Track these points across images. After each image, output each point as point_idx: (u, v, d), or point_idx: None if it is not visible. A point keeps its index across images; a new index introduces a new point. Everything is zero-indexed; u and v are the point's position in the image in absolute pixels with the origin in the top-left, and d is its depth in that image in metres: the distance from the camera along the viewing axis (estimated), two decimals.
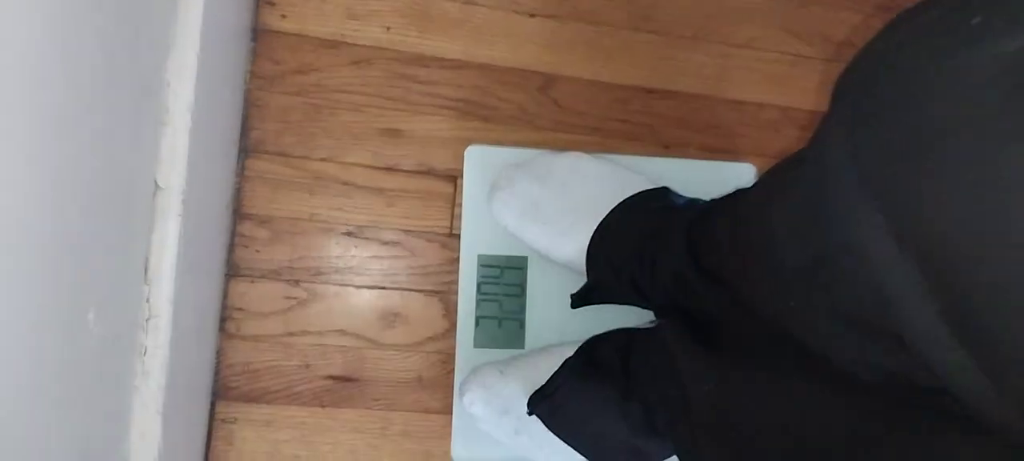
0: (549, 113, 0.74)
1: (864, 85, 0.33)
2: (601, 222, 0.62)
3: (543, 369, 0.64)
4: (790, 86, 0.80)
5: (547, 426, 0.63)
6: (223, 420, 0.68)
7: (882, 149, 0.30)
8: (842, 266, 0.34)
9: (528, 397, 0.63)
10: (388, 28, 0.72)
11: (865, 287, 0.32)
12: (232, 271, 0.68)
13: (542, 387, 0.63)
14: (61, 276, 0.37)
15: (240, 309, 0.69)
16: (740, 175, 0.74)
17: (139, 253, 0.48)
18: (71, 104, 0.37)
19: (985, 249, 0.26)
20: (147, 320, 0.49)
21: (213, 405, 0.67)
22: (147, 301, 0.49)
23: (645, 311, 0.67)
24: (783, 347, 0.47)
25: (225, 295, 0.68)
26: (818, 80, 0.80)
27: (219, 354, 0.68)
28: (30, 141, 0.33)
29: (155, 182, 0.49)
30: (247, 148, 0.69)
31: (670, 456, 0.63)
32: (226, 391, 0.68)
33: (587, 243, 0.62)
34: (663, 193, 0.63)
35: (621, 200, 0.62)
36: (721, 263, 0.50)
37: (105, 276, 0.43)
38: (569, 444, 0.63)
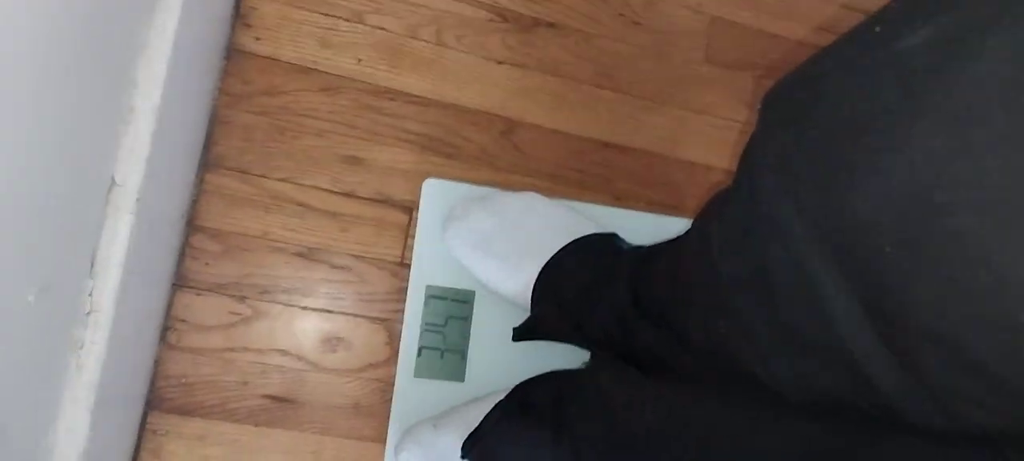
0: (509, 156, 0.77)
1: (787, 95, 0.35)
2: (549, 260, 0.64)
3: (478, 418, 0.64)
4: (737, 152, 0.83)
5: None
6: (153, 431, 0.66)
7: (803, 152, 0.31)
8: (776, 278, 0.33)
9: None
10: (359, 60, 0.74)
11: (801, 298, 0.32)
12: (179, 281, 0.68)
13: (474, 430, 0.63)
14: (5, 249, 0.37)
15: (183, 320, 0.68)
16: (683, 230, 0.76)
17: (87, 246, 0.48)
18: (39, 85, 0.38)
19: (906, 232, 0.26)
20: (87, 314, 0.49)
21: (145, 415, 0.66)
22: (90, 295, 0.49)
23: (585, 353, 0.68)
24: (726, 385, 0.48)
25: (169, 305, 0.68)
26: None
27: (157, 363, 0.67)
28: None
29: (112, 178, 0.50)
30: (208, 162, 0.70)
31: None
32: (160, 402, 0.67)
33: (534, 279, 0.64)
34: (611, 238, 0.66)
35: (570, 241, 0.64)
36: (661, 299, 0.52)
37: (50, 261, 0.43)
38: None
